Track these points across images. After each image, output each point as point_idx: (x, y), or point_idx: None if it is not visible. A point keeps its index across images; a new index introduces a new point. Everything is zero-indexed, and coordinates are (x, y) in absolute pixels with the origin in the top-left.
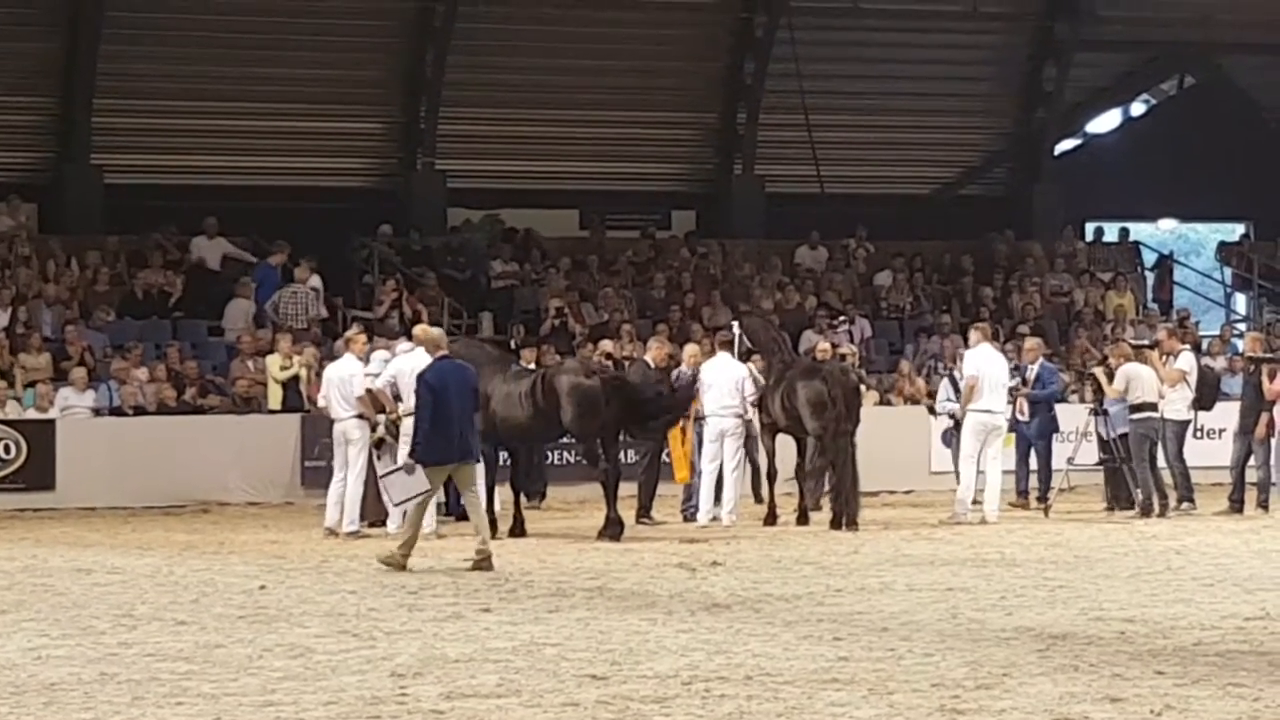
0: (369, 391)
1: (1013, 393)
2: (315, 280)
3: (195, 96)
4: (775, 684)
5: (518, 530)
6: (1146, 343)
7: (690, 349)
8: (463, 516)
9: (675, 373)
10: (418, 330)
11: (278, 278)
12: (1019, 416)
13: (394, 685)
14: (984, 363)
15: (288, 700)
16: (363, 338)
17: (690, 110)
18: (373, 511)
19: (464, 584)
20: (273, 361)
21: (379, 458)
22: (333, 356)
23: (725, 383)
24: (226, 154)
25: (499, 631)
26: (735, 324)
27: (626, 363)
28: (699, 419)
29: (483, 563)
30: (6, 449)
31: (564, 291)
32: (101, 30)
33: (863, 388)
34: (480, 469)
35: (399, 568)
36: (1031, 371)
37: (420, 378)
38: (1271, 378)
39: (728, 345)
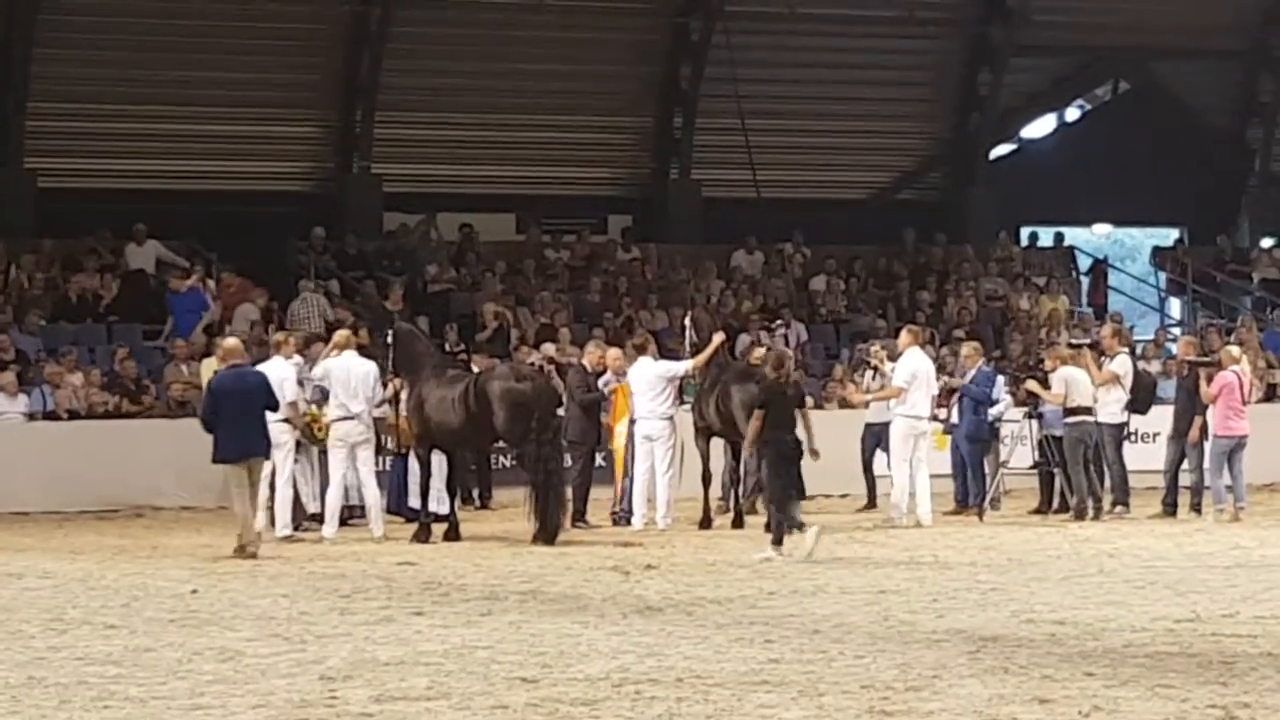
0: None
1: (944, 394)
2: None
3: (129, 100)
4: (705, 686)
5: (452, 534)
6: (1086, 341)
7: (613, 353)
8: (411, 518)
9: (602, 380)
10: (339, 334)
11: (203, 299)
12: (952, 421)
13: (323, 688)
14: (917, 367)
15: (216, 704)
16: (292, 340)
17: (626, 114)
18: (297, 514)
19: (397, 587)
20: (207, 366)
21: (296, 460)
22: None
23: (648, 386)
24: (161, 158)
25: (430, 635)
26: (688, 318)
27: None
28: (632, 421)
29: (238, 551)
30: None
31: (500, 295)
32: (35, 34)
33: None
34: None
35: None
36: (969, 376)
37: (208, 385)
38: (1208, 381)
39: (643, 348)
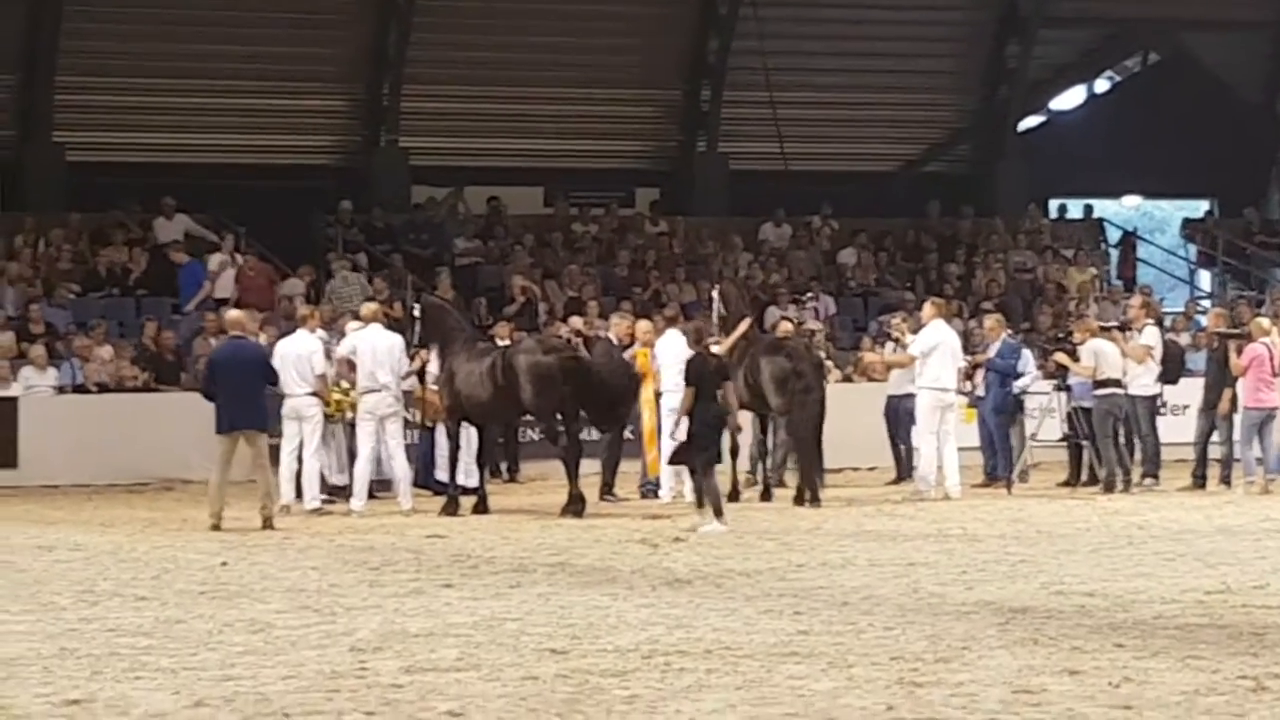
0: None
1: (970, 368)
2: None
3: (158, 74)
4: (734, 657)
5: (481, 507)
6: (1115, 324)
7: (642, 325)
8: (439, 492)
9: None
10: (365, 308)
11: (201, 273)
12: (978, 394)
13: (353, 660)
14: (938, 338)
15: (246, 674)
16: (318, 313)
17: (654, 87)
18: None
19: (426, 560)
20: None
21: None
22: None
23: (675, 359)
24: (189, 131)
25: (460, 607)
26: (715, 290)
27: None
28: (659, 394)
29: (266, 524)
30: None
31: (528, 269)
32: (63, 8)
33: (828, 364)
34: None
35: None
36: (993, 349)
37: (210, 356)
38: (1238, 353)
39: (673, 321)
